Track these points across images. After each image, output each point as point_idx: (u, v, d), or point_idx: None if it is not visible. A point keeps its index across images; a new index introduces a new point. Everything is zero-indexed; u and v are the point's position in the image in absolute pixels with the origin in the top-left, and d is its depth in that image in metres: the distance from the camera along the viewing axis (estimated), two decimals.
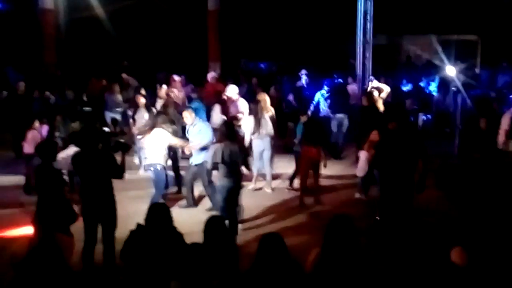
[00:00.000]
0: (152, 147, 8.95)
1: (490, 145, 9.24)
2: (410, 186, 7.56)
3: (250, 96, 11.92)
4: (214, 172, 8.63)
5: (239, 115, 10.95)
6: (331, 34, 19.56)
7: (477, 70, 18.08)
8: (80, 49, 18.59)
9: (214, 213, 7.63)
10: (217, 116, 11.43)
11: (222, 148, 7.81)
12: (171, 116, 9.87)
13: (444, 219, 8.38)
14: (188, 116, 9.28)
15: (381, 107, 10.81)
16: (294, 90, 15.06)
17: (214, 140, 9.01)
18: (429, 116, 14.80)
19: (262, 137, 10.09)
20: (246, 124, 10.37)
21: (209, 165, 8.45)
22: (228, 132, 8.06)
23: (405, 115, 9.61)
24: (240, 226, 8.15)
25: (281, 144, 11.80)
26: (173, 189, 10.16)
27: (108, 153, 6.71)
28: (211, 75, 14.60)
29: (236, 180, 7.91)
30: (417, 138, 8.06)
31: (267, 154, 10.20)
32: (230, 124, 8.76)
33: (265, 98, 10.32)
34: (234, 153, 7.81)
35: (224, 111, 11.42)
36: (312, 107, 12.61)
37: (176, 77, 13.68)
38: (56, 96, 13.86)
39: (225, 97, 11.57)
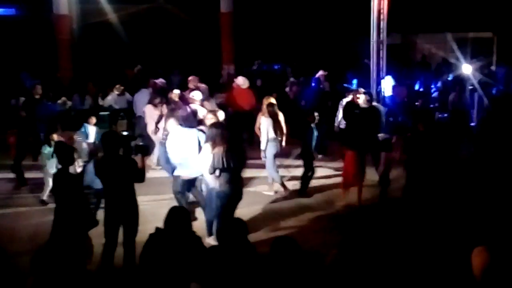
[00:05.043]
0: None
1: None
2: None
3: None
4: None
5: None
6: (345, 34, 19.47)
7: (493, 68, 17.87)
8: (94, 54, 18.69)
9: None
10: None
11: (223, 152, 7.21)
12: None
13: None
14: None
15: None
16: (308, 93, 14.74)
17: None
18: (445, 114, 14.64)
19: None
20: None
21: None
22: (228, 135, 7.41)
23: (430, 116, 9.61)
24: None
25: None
26: None
27: (130, 158, 6.75)
28: (241, 81, 13.59)
29: (237, 187, 7.42)
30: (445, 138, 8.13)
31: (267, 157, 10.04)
32: (228, 126, 8.01)
33: (270, 102, 10.16)
34: (235, 157, 7.30)
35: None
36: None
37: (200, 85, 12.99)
38: (76, 101, 13.89)
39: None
